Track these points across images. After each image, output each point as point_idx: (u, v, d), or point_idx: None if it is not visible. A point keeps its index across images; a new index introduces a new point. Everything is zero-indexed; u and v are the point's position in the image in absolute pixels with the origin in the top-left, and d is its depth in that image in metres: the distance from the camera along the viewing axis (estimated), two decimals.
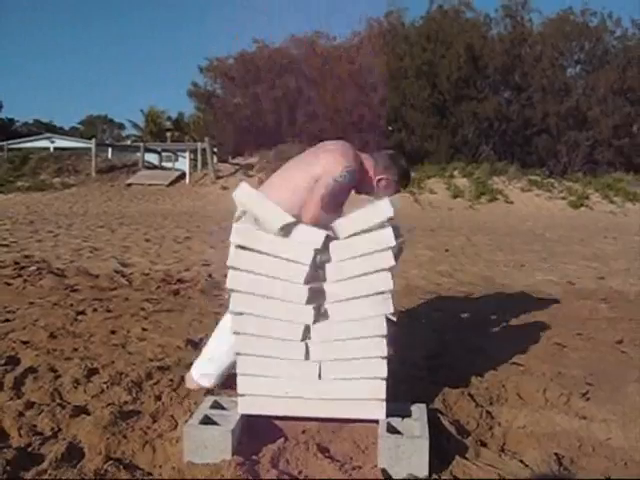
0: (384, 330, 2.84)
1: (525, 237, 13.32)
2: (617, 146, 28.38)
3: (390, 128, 29.88)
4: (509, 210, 21.54)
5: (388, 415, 2.89)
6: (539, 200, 22.78)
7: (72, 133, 60.03)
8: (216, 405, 3.07)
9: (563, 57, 30.80)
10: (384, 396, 2.88)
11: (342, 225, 2.89)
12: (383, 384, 2.88)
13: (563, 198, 22.86)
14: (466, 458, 2.83)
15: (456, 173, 24.66)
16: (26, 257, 8.95)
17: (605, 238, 13.35)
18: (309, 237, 2.84)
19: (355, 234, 2.84)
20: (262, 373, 2.95)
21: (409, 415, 2.98)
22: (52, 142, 41.66)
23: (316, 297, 2.94)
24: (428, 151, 28.17)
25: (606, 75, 28.44)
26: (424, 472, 2.64)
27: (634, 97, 28.88)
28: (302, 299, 2.84)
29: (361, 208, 2.91)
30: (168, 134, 50.15)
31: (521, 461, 2.85)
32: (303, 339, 2.89)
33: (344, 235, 2.86)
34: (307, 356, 2.91)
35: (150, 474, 2.75)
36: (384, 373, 2.86)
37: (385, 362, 2.87)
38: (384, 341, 2.87)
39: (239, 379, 2.99)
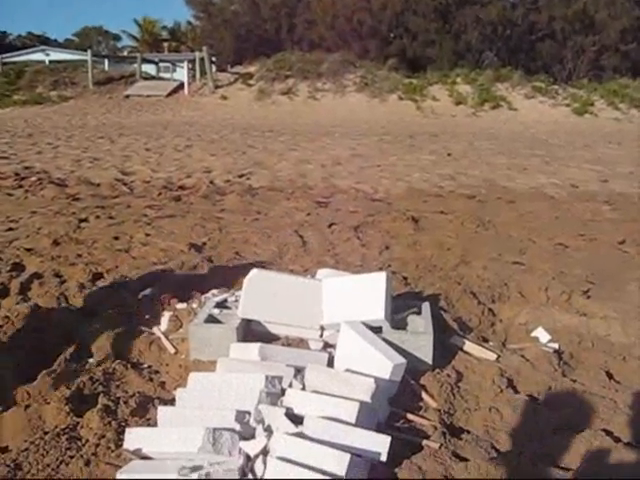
0: None
1: (528, 142, 13.17)
2: (624, 51, 27.64)
3: (392, 34, 29.13)
4: (512, 117, 21.22)
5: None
6: (543, 107, 22.40)
7: (67, 45, 58.63)
8: (220, 305, 3.10)
9: None
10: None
11: None
12: None
13: (567, 105, 22.46)
14: (468, 353, 2.88)
15: (459, 80, 24.17)
16: (26, 168, 8.89)
17: (609, 144, 13.20)
18: None
19: None
20: None
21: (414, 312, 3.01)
22: (47, 55, 40.56)
23: None
24: (430, 57, 27.54)
25: None
26: (428, 366, 2.69)
27: None
28: None
29: None
30: (165, 44, 49.03)
31: (522, 356, 2.89)
32: None
33: None
34: None
35: (157, 372, 2.81)
36: None
37: None
38: None
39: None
